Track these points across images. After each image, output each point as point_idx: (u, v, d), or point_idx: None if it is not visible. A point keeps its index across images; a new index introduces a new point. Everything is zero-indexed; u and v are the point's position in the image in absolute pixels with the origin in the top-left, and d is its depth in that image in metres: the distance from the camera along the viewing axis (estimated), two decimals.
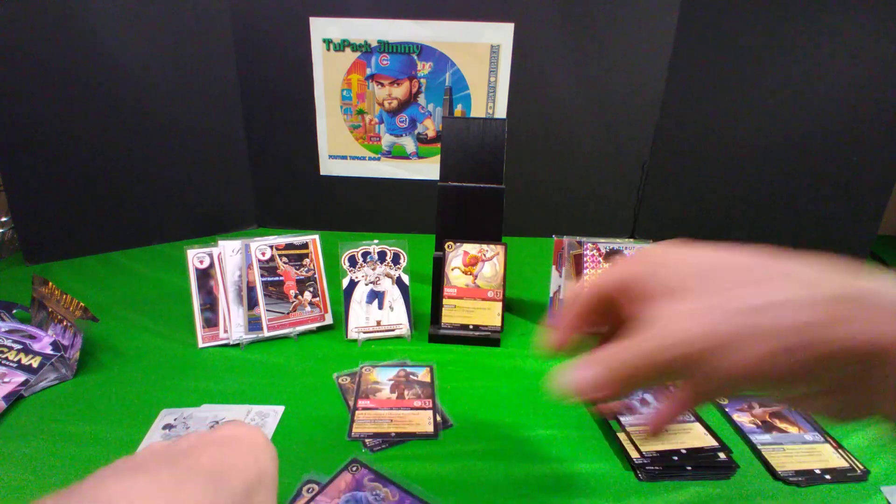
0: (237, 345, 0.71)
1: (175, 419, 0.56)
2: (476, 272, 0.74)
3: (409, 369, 0.66)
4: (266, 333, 0.72)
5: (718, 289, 0.24)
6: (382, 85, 1.07)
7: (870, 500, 0.49)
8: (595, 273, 0.75)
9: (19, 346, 0.64)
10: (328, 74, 1.06)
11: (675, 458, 0.51)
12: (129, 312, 0.79)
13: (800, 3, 0.92)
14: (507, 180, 0.78)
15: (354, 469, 0.39)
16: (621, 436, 0.54)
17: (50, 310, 0.69)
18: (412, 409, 0.58)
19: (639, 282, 0.27)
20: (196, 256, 0.72)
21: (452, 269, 0.74)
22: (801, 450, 0.54)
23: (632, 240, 0.76)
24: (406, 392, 0.61)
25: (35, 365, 0.61)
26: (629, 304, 0.27)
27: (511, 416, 0.58)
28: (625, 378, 0.26)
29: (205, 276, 0.72)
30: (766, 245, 0.29)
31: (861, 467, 0.52)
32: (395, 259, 0.75)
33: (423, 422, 0.56)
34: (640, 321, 0.26)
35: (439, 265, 0.74)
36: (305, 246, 0.75)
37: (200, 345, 0.70)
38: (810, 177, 0.99)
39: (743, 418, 0.58)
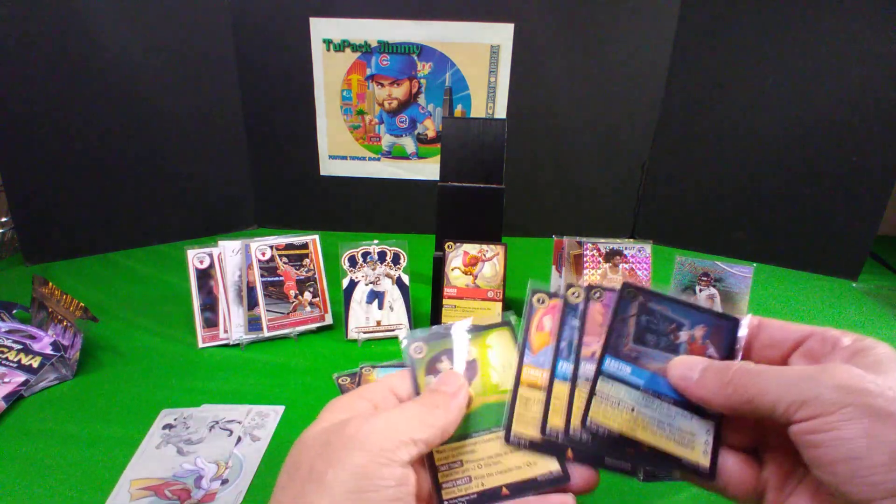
0: (237, 345, 0.71)
1: (175, 419, 0.56)
2: (476, 272, 0.74)
3: None
4: (266, 333, 0.72)
5: None
6: (382, 85, 1.07)
7: None
8: (595, 273, 0.75)
9: (19, 347, 0.64)
10: (328, 74, 1.06)
11: None
12: (129, 312, 0.79)
13: (800, 3, 0.92)
14: (507, 180, 0.78)
15: (597, 295, 0.34)
16: None
17: (50, 310, 0.69)
18: None
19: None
20: (196, 256, 0.72)
21: (452, 270, 0.74)
22: None
23: (632, 240, 0.76)
24: None
25: (35, 365, 0.61)
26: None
27: None
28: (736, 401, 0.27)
29: (205, 276, 0.72)
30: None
31: None
32: (395, 259, 0.75)
33: None
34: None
35: (439, 265, 0.74)
36: (305, 246, 0.75)
37: (200, 345, 0.70)
38: (810, 177, 0.99)
39: None
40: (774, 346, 0.31)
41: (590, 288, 0.35)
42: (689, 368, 0.30)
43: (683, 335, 0.33)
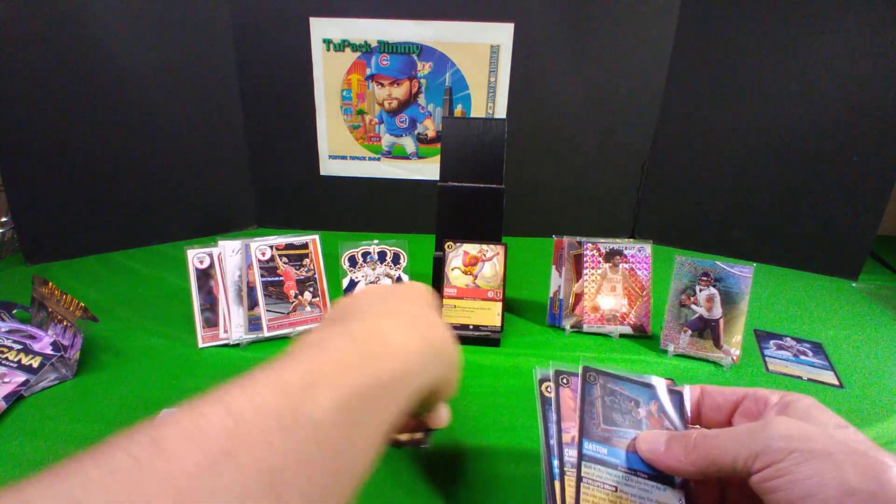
0: (237, 345, 0.71)
1: None
2: (476, 272, 0.74)
3: None
4: (266, 333, 0.72)
5: None
6: (382, 85, 1.07)
7: None
8: (595, 273, 0.75)
9: (19, 346, 0.64)
10: (328, 74, 1.06)
11: None
12: (129, 312, 0.79)
13: (800, 3, 0.92)
14: (507, 180, 0.78)
15: (565, 381, 0.39)
16: None
17: (50, 310, 0.69)
18: None
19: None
20: (196, 256, 0.72)
21: (452, 269, 0.74)
22: None
23: (632, 240, 0.76)
24: None
25: (35, 365, 0.61)
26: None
27: (511, 417, 0.58)
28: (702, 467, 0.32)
29: (205, 276, 0.72)
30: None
31: None
32: (395, 259, 0.75)
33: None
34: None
35: (439, 265, 0.74)
36: (305, 246, 0.75)
37: (200, 345, 0.70)
38: (810, 177, 0.99)
39: None
40: (718, 409, 0.36)
41: (558, 374, 0.39)
42: (655, 442, 0.35)
43: (642, 411, 0.38)
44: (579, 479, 0.35)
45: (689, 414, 0.37)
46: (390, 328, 0.30)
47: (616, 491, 0.34)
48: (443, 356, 0.32)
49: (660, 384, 0.39)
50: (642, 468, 0.35)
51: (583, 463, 0.35)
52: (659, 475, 0.35)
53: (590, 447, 0.36)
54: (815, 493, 0.26)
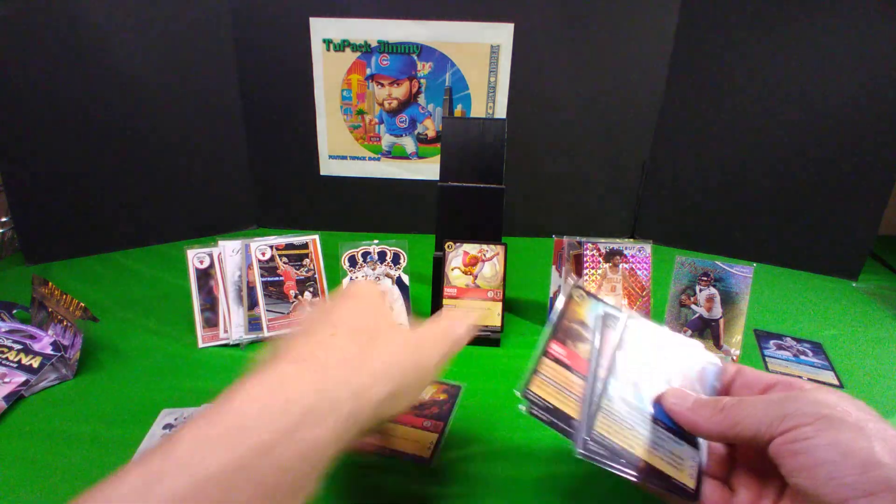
0: (237, 345, 0.71)
1: (175, 419, 0.56)
2: (476, 272, 0.74)
3: None
4: (266, 333, 0.72)
5: None
6: (382, 85, 1.07)
7: None
8: (595, 273, 0.75)
9: (19, 347, 0.64)
10: (328, 75, 1.06)
11: None
12: (129, 312, 0.79)
13: (800, 4, 0.92)
14: (507, 180, 0.78)
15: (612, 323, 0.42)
16: None
17: (50, 310, 0.69)
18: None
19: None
20: (196, 256, 0.72)
21: (452, 270, 0.74)
22: None
23: (632, 240, 0.76)
24: None
25: (35, 365, 0.61)
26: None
27: (511, 417, 0.58)
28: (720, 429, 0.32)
29: (205, 276, 0.72)
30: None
31: None
32: (395, 259, 0.75)
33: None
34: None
35: (439, 265, 0.74)
36: (305, 246, 0.75)
37: (200, 345, 0.70)
38: (810, 177, 0.99)
39: None
40: (748, 386, 0.37)
41: (606, 318, 0.41)
42: (683, 397, 0.36)
43: (676, 370, 0.39)
44: (598, 407, 0.36)
45: (719, 387, 0.38)
46: (290, 375, 0.29)
47: (631, 429, 0.35)
48: (368, 391, 0.31)
49: (700, 354, 0.40)
50: (662, 419, 0.36)
51: (606, 396, 0.36)
52: (679, 431, 0.36)
53: (616, 386, 0.37)
54: (838, 460, 0.26)
